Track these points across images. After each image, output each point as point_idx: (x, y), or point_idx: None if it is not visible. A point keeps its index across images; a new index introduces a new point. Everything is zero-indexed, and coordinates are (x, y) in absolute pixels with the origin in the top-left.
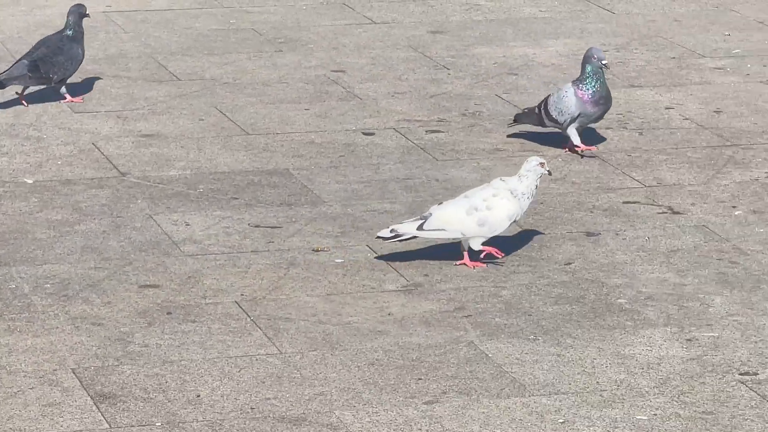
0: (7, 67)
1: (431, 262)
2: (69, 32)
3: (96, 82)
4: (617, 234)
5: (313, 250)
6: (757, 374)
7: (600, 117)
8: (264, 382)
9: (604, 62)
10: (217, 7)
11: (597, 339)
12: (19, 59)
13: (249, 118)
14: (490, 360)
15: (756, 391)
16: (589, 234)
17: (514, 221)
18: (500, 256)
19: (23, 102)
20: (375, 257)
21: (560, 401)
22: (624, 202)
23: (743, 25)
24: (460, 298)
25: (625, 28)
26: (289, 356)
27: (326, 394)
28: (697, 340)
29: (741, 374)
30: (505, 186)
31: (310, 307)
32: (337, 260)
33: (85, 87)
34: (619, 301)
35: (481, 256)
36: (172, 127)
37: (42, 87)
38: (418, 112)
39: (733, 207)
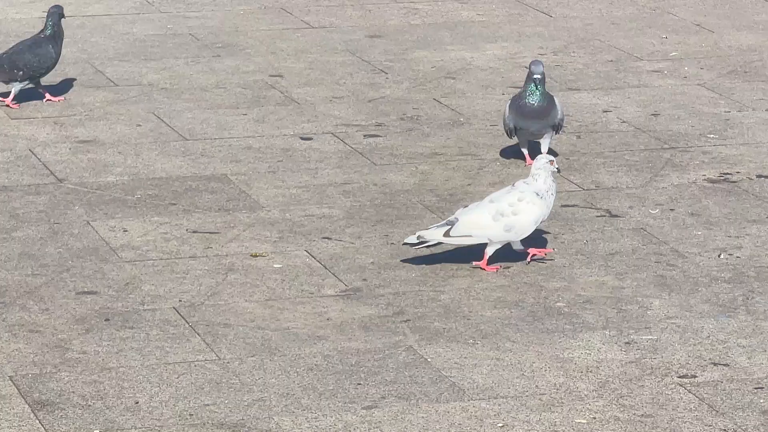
0: None
1: (370, 266)
2: (47, 32)
3: (32, 89)
4: (556, 237)
5: (251, 256)
6: (696, 377)
7: (540, 130)
8: (203, 389)
9: (535, 76)
10: (155, 12)
11: (536, 343)
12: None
13: (187, 124)
14: (429, 364)
15: (694, 394)
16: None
17: (541, 222)
18: (545, 253)
19: (12, 106)
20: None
21: (499, 405)
22: (562, 206)
23: (680, 28)
24: (399, 303)
25: (562, 31)
26: (228, 362)
27: (265, 399)
28: (635, 343)
29: (680, 377)
30: (531, 189)
31: (249, 312)
32: (275, 265)
33: (22, 92)
34: (558, 304)
35: (528, 260)
36: (109, 133)
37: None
38: (356, 117)
39: (671, 210)
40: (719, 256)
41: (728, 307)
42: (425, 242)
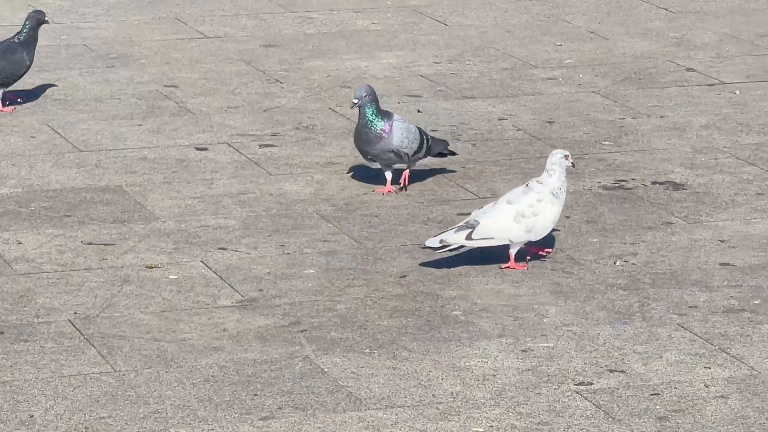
0: None
1: (266, 277)
2: (20, 37)
3: None
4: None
5: (146, 267)
6: (592, 384)
7: (379, 156)
8: (98, 401)
9: (353, 100)
10: (48, 23)
11: (432, 351)
12: None
13: (81, 135)
14: (325, 374)
15: (591, 401)
16: (423, 247)
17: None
18: (547, 252)
19: (5, 110)
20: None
21: (396, 414)
22: (458, 214)
23: (575, 36)
24: (296, 313)
25: (457, 39)
26: (124, 374)
27: (161, 411)
28: (532, 350)
29: (576, 384)
30: (546, 189)
31: (145, 324)
32: (171, 276)
33: None
34: (455, 313)
35: (527, 257)
36: (2, 145)
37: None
38: (251, 127)
39: (567, 217)
40: (615, 263)
41: (624, 313)
42: (447, 246)
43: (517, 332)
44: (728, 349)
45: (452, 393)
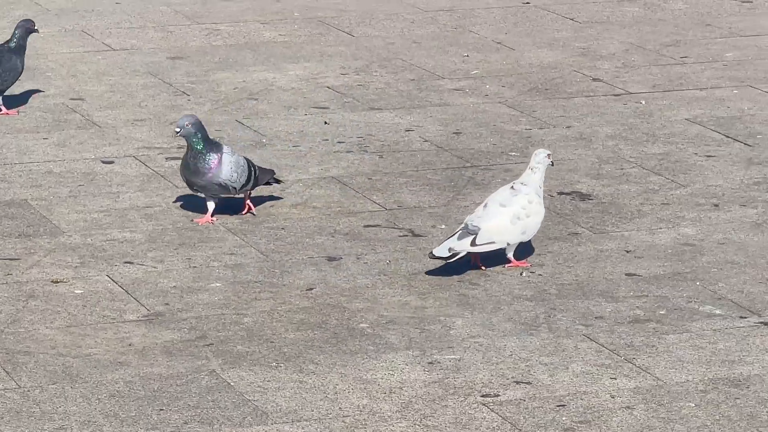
0: None
1: (172, 290)
2: (11, 44)
3: None
4: (358, 258)
5: (52, 282)
6: (499, 396)
7: (205, 188)
8: (2, 418)
9: (175, 129)
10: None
11: (339, 364)
12: None
13: None
14: (232, 388)
15: (497, 413)
16: (330, 258)
17: None
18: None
19: (9, 113)
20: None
21: (303, 428)
22: (365, 226)
23: (481, 46)
24: (202, 327)
25: (364, 50)
26: (29, 390)
27: (66, 428)
28: (439, 363)
29: (482, 396)
30: (531, 189)
31: (50, 339)
32: (76, 291)
33: None
34: (361, 325)
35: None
36: None
37: None
38: (158, 140)
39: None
40: (521, 274)
41: (530, 325)
42: (457, 254)
43: (423, 344)
44: (634, 360)
45: (359, 406)
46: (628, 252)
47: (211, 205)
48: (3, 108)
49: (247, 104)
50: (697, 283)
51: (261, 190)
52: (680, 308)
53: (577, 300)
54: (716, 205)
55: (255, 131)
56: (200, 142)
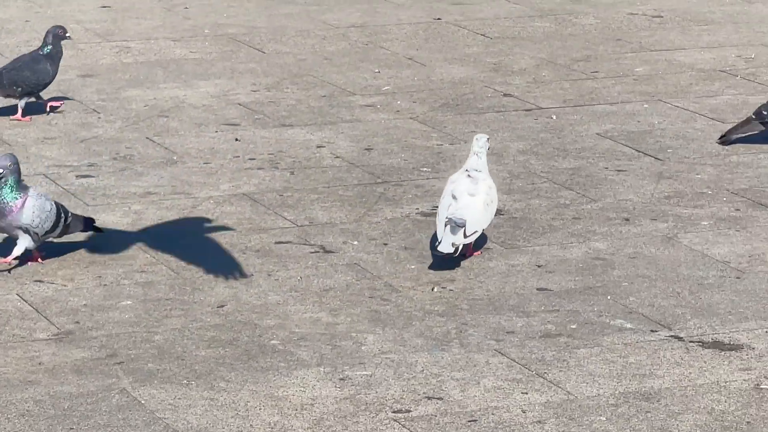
0: None
1: (83, 309)
2: (44, 50)
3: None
4: (270, 275)
5: None
6: (410, 411)
7: (6, 230)
8: None
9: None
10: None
11: (250, 381)
12: None
13: None
14: (142, 407)
15: (409, 429)
16: (241, 275)
17: None
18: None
19: (24, 120)
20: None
21: None
22: (276, 243)
23: (393, 62)
24: (112, 345)
25: (275, 67)
26: None
27: None
28: (350, 379)
29: (394, 412)
30: (485, 173)
31: None
32: None
33: None
34: (273, 342)
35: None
36: None
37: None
38: (68, 158)
39: (385, 244)
40: (433, 290)
41: (442, 340)
42: (458, 249)
43: (335, 360)
44: (545, 374)
45: (270, 423)
46: (539, 267)
47: (18, 248)
48: (18, 113)
49: (158, 121)
50: (608, 297)
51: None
52: (591, 322)
53: (489, 315)
54: (627, 220)
55: (166, 148)
56: (12, 183)
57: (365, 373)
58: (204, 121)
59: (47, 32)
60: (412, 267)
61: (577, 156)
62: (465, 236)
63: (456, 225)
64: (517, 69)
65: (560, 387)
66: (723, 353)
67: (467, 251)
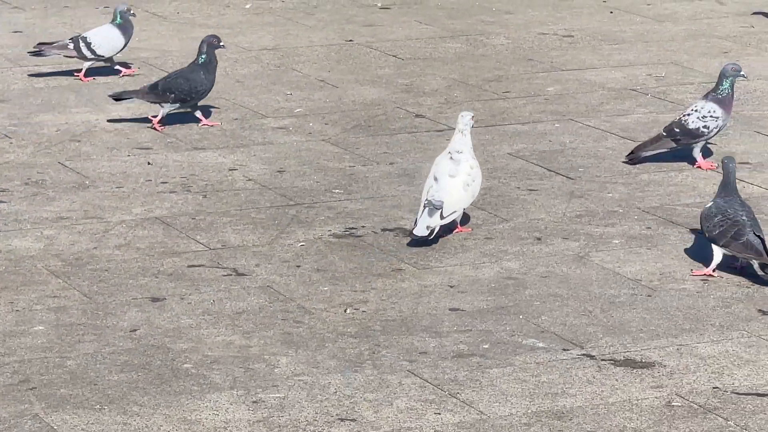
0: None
1: None
2: (200, 60)
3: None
4: (182, 298)
5: None
6: None
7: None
8: None
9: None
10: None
11: (163, 405)
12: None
13: None
14: None
15: None
16: (154, 299)
17: None
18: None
19: (156, 126)
20: None
21: None
22: (189, 266)
23: (305, 84)
24: (25, 371)
25: None
26: None
27: None
28: (263, 401)
29: None
30: (470, 155)
31: None
32: None
33: None
34: (185, 366)
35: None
36: None
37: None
38: None
39: (298, 266)
40: (345, 311)
41: (355, 361)
42: (434, 230)
43: (248, 383)
44: (458, 395)
45: None
46: (451, 287)
47: None
48: (203, 119)
49: (70, 146)
50: (521, 317)
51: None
52: (504, 342)
53: (401, 336)
54: (539, 239)
55: (78, 173)
56: None
57: (278, 395)
58: (116, 145)
59: (202, 42)
60: (325, 289)
61: (489, 176)
62: (442, 217)
63: (434, 207)
64: (428, 90)
65: (473, 407)
66: (635, 371)
67: (454, 227)
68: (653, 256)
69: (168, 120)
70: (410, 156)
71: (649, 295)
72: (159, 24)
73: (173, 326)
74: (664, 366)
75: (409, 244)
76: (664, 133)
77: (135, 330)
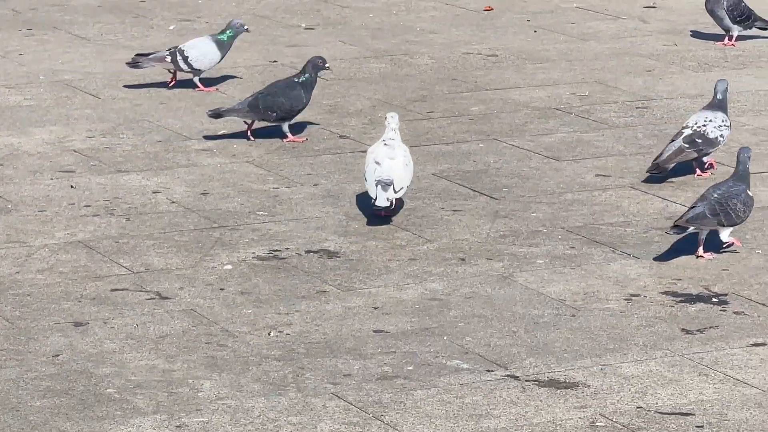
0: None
1: None
2: (301, 78)
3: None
4: (105, 323)
5: None
6: None
7: None
8: None
9: None
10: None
11: (86, 431)
12: (252, 95)
13: None
14: None
15: None
16: (77, 324)
17: None
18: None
19: (250, 137)
20: None
21: None
22: (112, 290)
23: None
24: None
25: (111, 113)
26: None
27: None
28: (186, 426)
29: None
30: (400, 142)
31: None
32: None
33: None
34: (108, 390)
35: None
36: None
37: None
38: None
39: (221, 289)
40: (269, 334)
41: (278, 384)
42: (392, 202)
43: (171, 408)
44: (382, 417)
45: None
46: (375, 308)
47: None
48: (289, 134)
49: None
50: (445, 338)
51: None
52: (428, 363)
53: (326, 358)
54: (463, 259)
55: (0, 197)
56: None
57: (202, 419)
58: (39, 169)
59: (308, 62)
60: (249, 311)
61: (412, 197)
62: (395, 191)
63: (385, 184)
64: (353, 110)
65: (397, 429)
66: (559, 391)
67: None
68: (577, 276)
69: (89, 143)
70: (334, 177)
71: (573, 315)
72: (83, 46)
73: (96, 351)
74: (588, 386)
75: (368, 224)
76: (686, 145)
77: (57, 355)
